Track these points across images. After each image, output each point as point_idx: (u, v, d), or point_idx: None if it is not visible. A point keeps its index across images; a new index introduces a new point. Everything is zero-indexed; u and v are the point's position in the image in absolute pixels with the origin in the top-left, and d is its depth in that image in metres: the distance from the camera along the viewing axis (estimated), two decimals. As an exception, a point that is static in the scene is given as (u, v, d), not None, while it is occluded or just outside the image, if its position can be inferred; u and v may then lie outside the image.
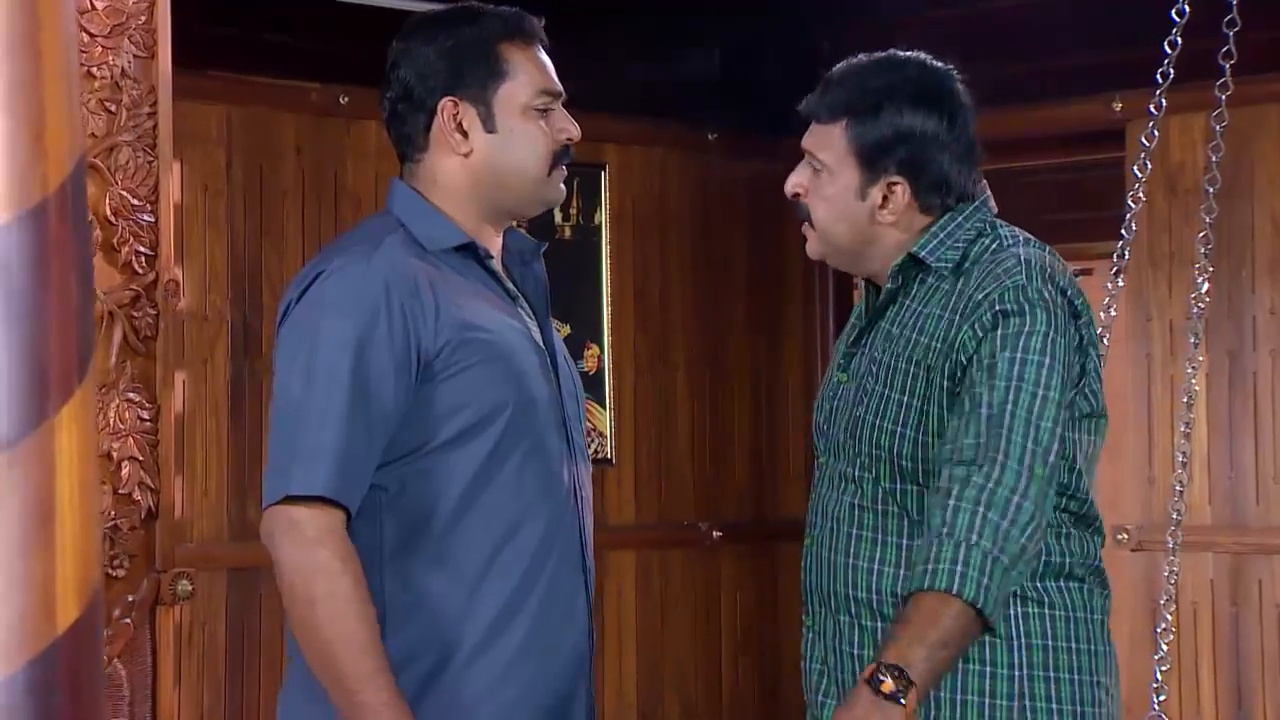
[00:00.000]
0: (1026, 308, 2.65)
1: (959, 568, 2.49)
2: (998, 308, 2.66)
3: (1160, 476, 5.49)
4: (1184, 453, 4.58)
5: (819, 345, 6.35)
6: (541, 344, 2.86)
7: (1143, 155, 4.44)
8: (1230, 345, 5.39)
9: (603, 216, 5.90)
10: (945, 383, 2.68)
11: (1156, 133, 4.43)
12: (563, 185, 2.86)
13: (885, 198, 2.79)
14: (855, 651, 2.74)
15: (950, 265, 2.76)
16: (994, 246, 2.76)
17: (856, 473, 2.75)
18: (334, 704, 2.62)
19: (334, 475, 2.62)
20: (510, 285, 2.87)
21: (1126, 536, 5.50)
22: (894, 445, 2.70)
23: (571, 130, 2.84)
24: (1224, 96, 4.43)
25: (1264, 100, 5.29)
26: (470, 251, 2.83)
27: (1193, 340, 4.61)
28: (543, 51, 2.86)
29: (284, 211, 5.32)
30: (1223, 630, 5.39)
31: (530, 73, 2.82)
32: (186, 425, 5.07)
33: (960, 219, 2.79)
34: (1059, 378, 2.63)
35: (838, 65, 2.88)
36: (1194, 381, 4.62)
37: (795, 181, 2.86)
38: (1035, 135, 5.86)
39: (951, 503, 2.54)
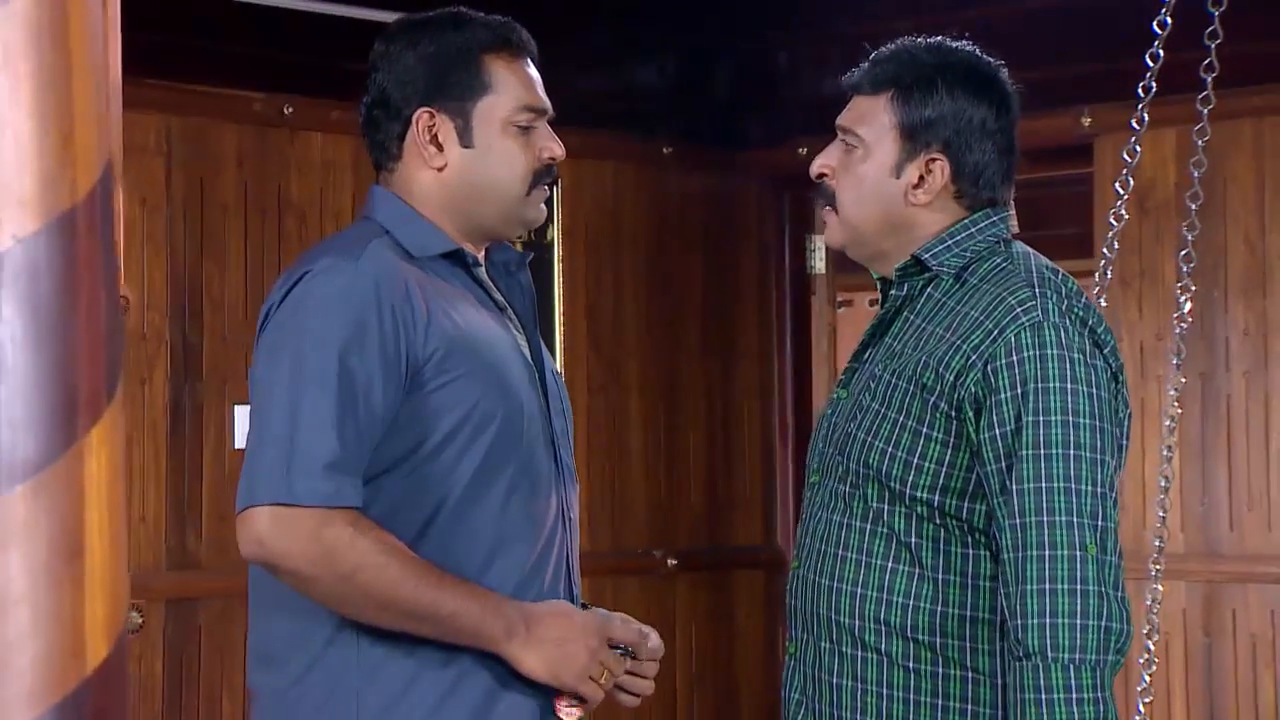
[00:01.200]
0: (1054, 354, 2.57)
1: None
2: (1014, 355, 2.58)
3: (1131, 503, 5.47)
4: (1166, 478, 4.57)
5: (775, 368, 6.32)
6: (529, 357, 2.82)
7: (1125, 171, 4.43)
8: (1203, 367, 5.39)
9: (554, 232, 5.84)
10: (946, 408, 2.61)
11: (1139, 148, 4.42)
12: (543, 206, 2.81)
13: (921, 176, 2.72)
14: (834, 680, 2.69)
15: (951, 272, 2.70)
16: (1005, 266, 2.69)
17: (846, 490, 2.69)
18: (437, 636, 2.61)
19: (325, 482, 2.56)
20: (498, 295, 2.83)
21: (1096, 564, 5.48)
22: (883, 465, 2.64)
23: (555, 149, 2.78)
24: (1206, 110, 4.43)
25: (1236, 116, 5.30)
26: (457, 259, 2.79)
27: (1174, 362, 4.60)
28: (531, 65, 2.80)
29: (225, 226, 5.24)
30: (1196, 661, 5.38)
31: (514, 87, 2.77)
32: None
33: (976, 228, 2.74)
34: (1102, 435, 2.57)
35: (886, 46, 2.83)
36: (1175, 404, 4.61)
37: (823, 161, 2.80)
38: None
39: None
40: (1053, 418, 2.53)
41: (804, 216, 6.31)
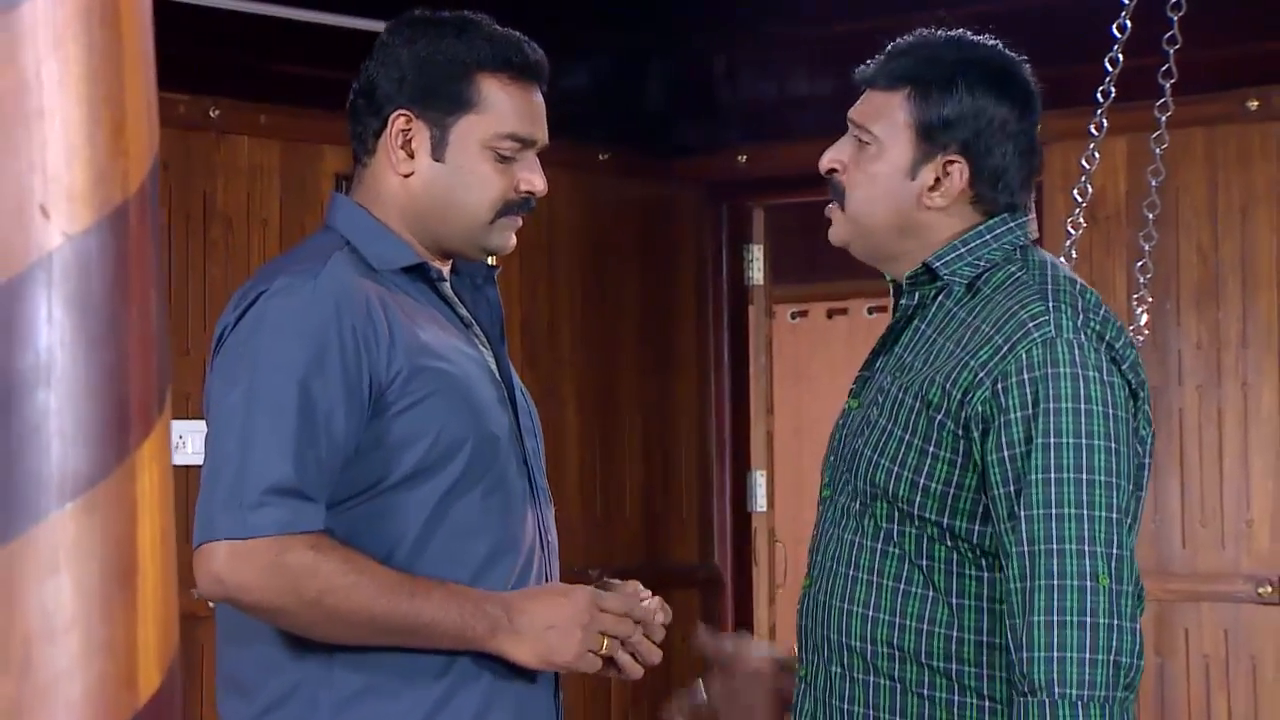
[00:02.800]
0: (1067, 373, 2.49)
1: None
2: (1025, 373, 2.49)
3: (1081, 519, 5.47)
4: (1123, 494, 4.56)
5: (712, 382, 6.28)
6: (498, 375, 2.76)
7: (1084, 178, 4.41)
8: (1155, 381, 5.38)
9: (487, 242, 5.78)
10: (953, 427, 2.53)
11: (1098, 155, 4.40)
12: (511, 236, 2.72)
13: (938, 179, 2.64)
14: (846, 707, 2.61)
15: (963, 282, 2.62)
16: (1020, 276, 2.61)
17: (857, 507, 2.62)
18: (419, 646, 2.56)
19: (281, 509, 2.49)
20: (464, 311, 2.77)
21: (1046, 583, 5.47)
22: (890, 485, 2.57)
23: (535, 183, 2.70)
24: (1164, 118, 4.42)
25: (1187, 124, 5.30)
26: (421, 273, 2.72)
27: (1132, 375, 4.59)
28: (533, 91, 2.71)
29: (148, 233, 5.14)
30: (1147, 682, 5.37)
31: (502, 112, 2.68)
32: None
33: (992, 234, 2.65)
34: (1119, 458, 2.48)
35: (905, 38, 2.75)
36: (1133, 419, 4.59)
37: (834, 156, 2.71)
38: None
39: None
40: (1064, 440, 2.44)
41: (742, 226, 6.28)
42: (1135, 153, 5.30)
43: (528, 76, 2.70)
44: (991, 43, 2.80)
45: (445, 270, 2.76)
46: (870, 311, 8.60)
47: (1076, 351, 2.49)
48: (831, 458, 2.71)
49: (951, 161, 2.64)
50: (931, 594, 2.56)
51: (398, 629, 2.55)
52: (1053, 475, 2.44)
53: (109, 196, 1.22)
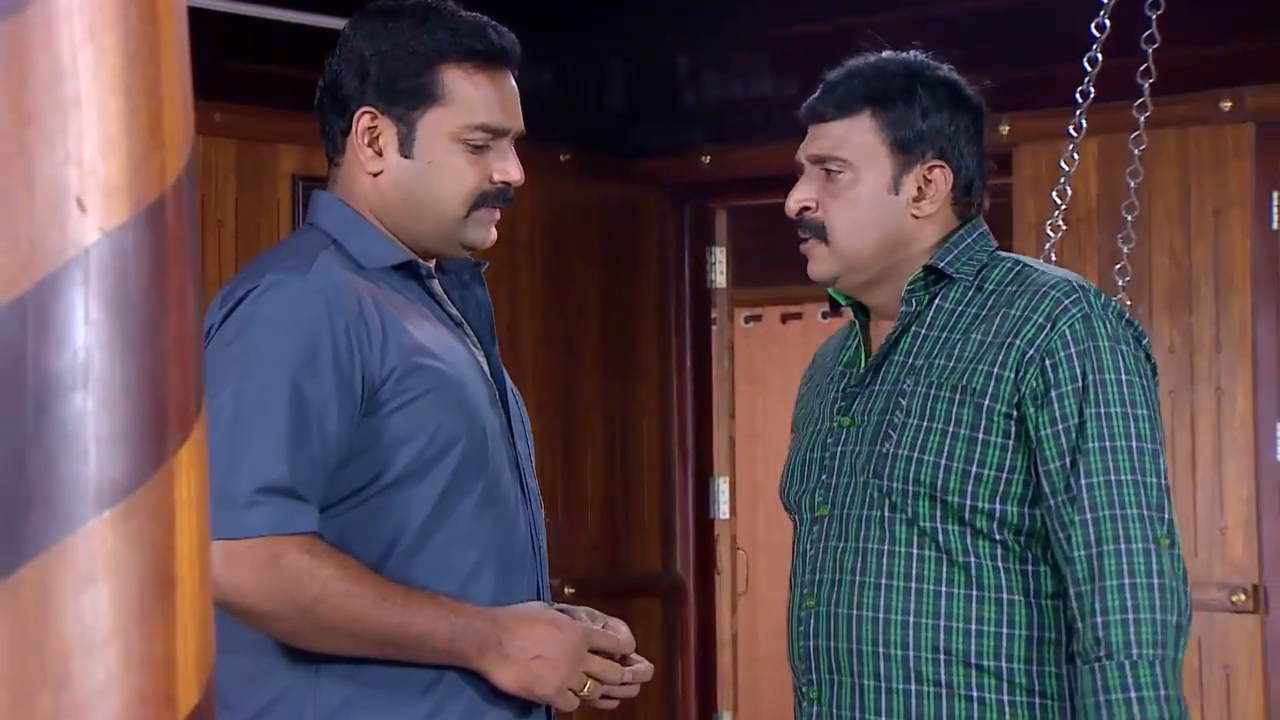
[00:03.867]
0: (1106, 346, 2.62)
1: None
2: (1071, 347, 2.61)
3: (1051, 526, 5.46)
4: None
5: (675, 386, 6.25)
6: (489, 375, 2.73)
7: (1062, 180, 4.41)
8: (1127, 386, 5.39)
9: (447, 244, 5.75)
10: (1005, 409, 2.62)
11: (1077, 156, 4.40)
12: (490, 230, 2.69)
13: (921, 188, 2.72)
14: None
15: (970, 278, 2.72)
16: (1024, 269, 2.73)
17: (884, 515, 2.65)
18: (407, 659, 2.53)
19: (275, 509, 2.47)
20: (453, 309, 2.74)
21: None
22: (938, 479, 2.63)
23: (511, 172, 2.67)
24: (1143, 118, 4.42)
25: (1160, 125, 5.30)
26: (410, 271, 2.69)
27: (1110, 380, 4.58)
28: (503, 77, 2.67)
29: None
30: (1120, 691, 5.37)
31: (469, 102, 2.64)
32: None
33: (973, 236, 2.76)
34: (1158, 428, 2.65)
35: (836, 70, 2.83)
36: (1110, 424, 4.59)
37: (803, 196, 2.78)
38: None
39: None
40: (1113, 409, 2.56)
41: (704, 228, 6.26)
42: (1107, 154, 5.30)
43: (495, 63, 2.66)
44: (921, 56, 2.91)
45: (433, 266, 2.73)
46: (824, 316, 8.60)
47: (1108, 326, 2.63)
48: (825, 477, 2.74)
49: (934, 167, 2.74)
50: (977, 593, 2.61)
51: (388, 640, 2.52)
52: (1108, 444, 2.56)
53: (146, 190, 1.19)
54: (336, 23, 2.92)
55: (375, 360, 2.56)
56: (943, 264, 2.72)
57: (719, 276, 6.29)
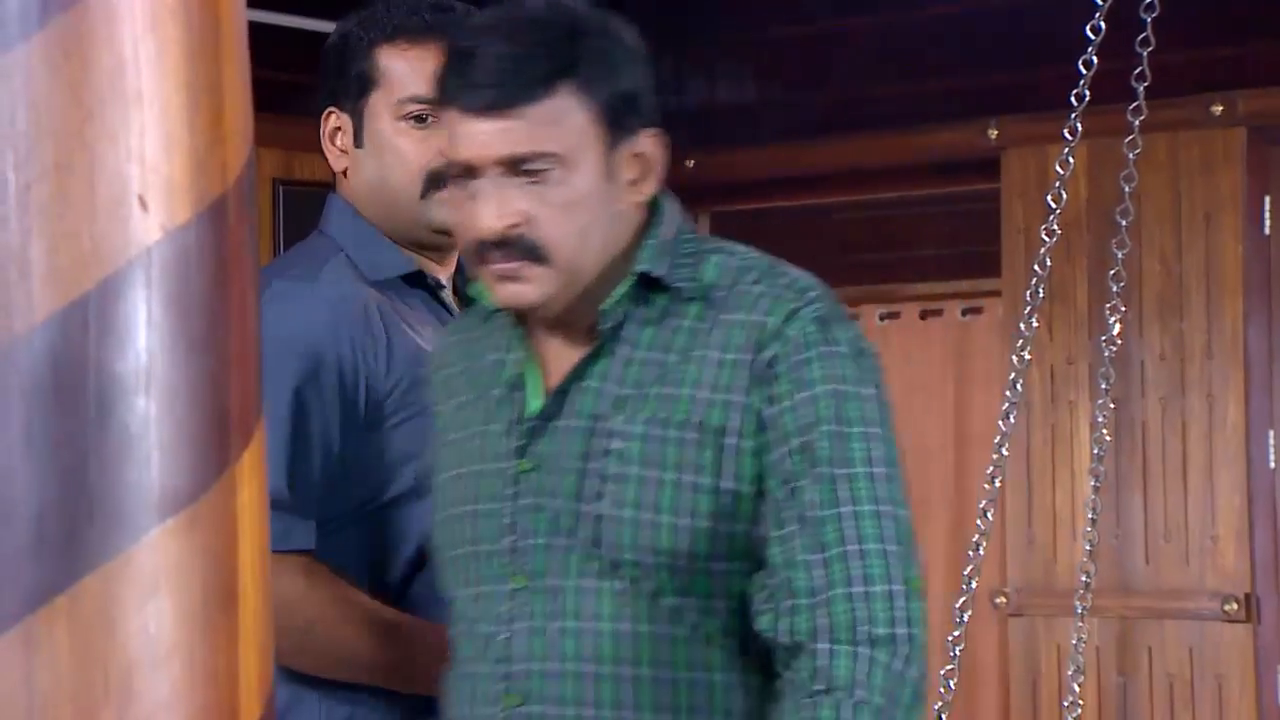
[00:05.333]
0: (845, 353, 2.15)
1: None
2: (804, 354, 2.13)
3: (1040, 535, 5.45)
4: (1094, 509, 4.54)
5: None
6: None
7: (1057, 184, 4.39)
8: (1118, 393, 5.36)
9: (427, 248, 5.72)
10: (741, 444, 2.12)
11: (1072, 159, 4.38)
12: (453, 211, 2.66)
13: (638, 167, 2.16)
14: None
15: (696, 288, 2.18)
16: (738, 264, 2.21)
17: (617, 587, 2.13)
18: (400, 689, 2.50)
19: (273, 524, 2.42)
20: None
21: (1005, 600, 5.45)
22: (682, 545, 2.11)
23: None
24: (1137, 121, 4.41)
25: (1150, 130, 5.29)
26: (418, 280, 2.66)
27: (1104, 385, 4.56)
28: (437, 49, 2.53)
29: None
30: (1110, 702, 5.36)
31: (401, 77, 2.62)
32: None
33: (675, 225, 2.23)
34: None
35: (482, 41, 2.16)
36: (1104, 431, 4.58)
37: (510, 211, 2.12)
38: (896, 164, 5.82)
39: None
40: (852, 428, 2.11)
41: (687, 233, 6.24)
42: (1097, 159, 5.29)
43: (429, 36, 2.62)
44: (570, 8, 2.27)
45: (446, 276, 2.69)
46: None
47: (849, 331, 2.17)
48: (511, 539, 2.18)
49: (645, 138, 2.18)
50: (757, 681, 2.16)
51: (381, 669, 2.49)
52: (842, 470, 2.11)
53: (208, 188, 1.16)
54: (315, 24, 2.92)
55: (380, 373, 2.53)
56: (658, 272, 2.17)
57: (701, 282, 6.26)
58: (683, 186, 6.33)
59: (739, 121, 6.02)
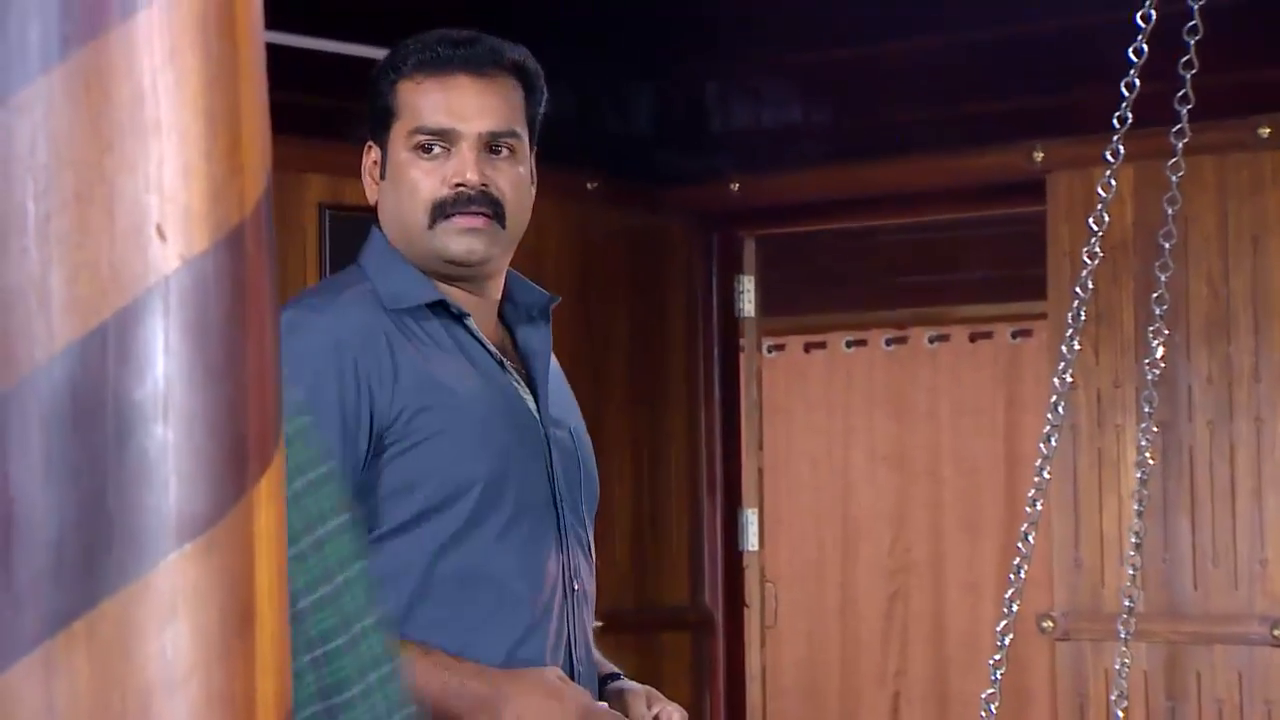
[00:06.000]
0: None
1: None
2: None
3: (1087, 559, 5.44)
4: (1137, 533, 4.53)
5: (703, 416, 6.23)
6: (536, 414, 2.70)
7: (1100, 207, 4.39)
8: (1164, 416, 5.36)
9: (472, 272, 5.73)
10: None
11: (1114, 181, 4.38)
12: (465, 240, 2.65)
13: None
14: None
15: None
16: None
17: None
18: None
19: None
20: (492, 348, 2.71)
21: (1052, 624, 5.44)
22: None
23: (462, 173, 2.64)
24: (1180, 144, 4.40)
25: (1197, 152, 5.28)
26: (443, 309, 2.67)
27: (1147, 409, 4.56)
28: (450, 81, 2.66)
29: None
30: (1158, 726, 5.35)
31: (413, 109, 2.68)
32: None
33: None
34: None
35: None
36: (1148, 454, 4.57)
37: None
38: (941, 188, 5.82)
39: None
40: None
41: (732, 257, 6.25)
42: (1143, 181, 5.29)
43: (445, 69, 2.67)
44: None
45: (472, 304, 2.70)
46: (849, 345, 8.58)
47: None
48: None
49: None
50: None
51: None
52: None
53: (226, 216, 1.18)
54: (362, 50, 2.94)
55: (384, 401, 2.55)
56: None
57: (747, 305, 6.27)
58: (727, 210, 6.38)
59: (783, 145, 6.04)
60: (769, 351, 8.56)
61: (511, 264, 2.74)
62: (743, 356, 6.29)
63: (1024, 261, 5.87)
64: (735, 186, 5.96)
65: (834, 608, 8.52)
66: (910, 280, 8.35)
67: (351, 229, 4.77)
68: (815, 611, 8.52)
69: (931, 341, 8.65)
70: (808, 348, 8.71)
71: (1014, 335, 8.57)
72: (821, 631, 8.52)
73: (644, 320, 6.15)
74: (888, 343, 8.55)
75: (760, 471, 6.34)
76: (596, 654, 2.83)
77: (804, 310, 8.37)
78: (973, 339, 8.66)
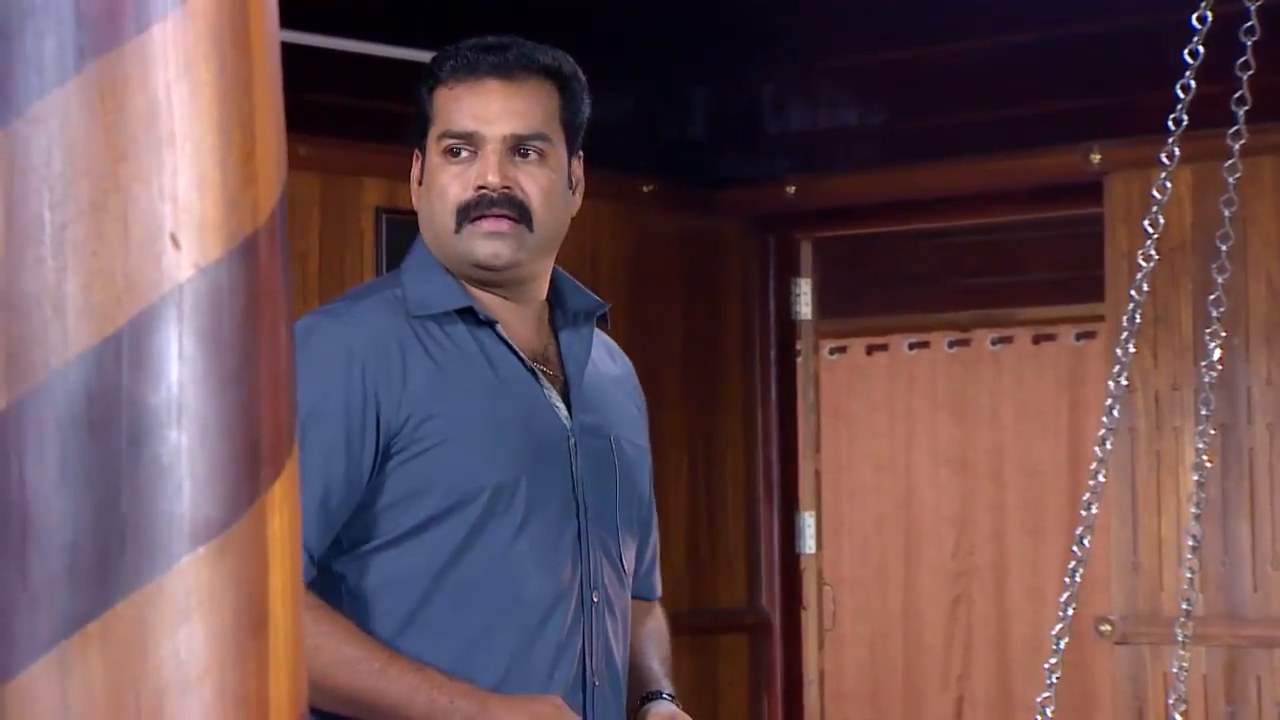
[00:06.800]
0: None
1: None
2: None
3: (1146, 562, 5.43)
4: (1195, 537, 4.52)
5: (759, 420, 6.24)
6: (568, 420, 2.70)
7: (1155, 209, 4.38)
8: (1223, 419, 5.34)
9: (529, 276, 5.76)
10: None
11: (1169, 184, 4.37)
12: (490, 244, 2.65)
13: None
14: None
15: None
16: None
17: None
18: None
19: None
20: (523, 354, 2.70)
21: (1110, 628, 5.43)
22: None
23: (484, 175, 2.64)
24: (1237, 145, 4.39)
25: (1256, 153, 5.25)
26: (471, 316, 2.68)
27: (1204, 412, 4.55)
28: (476, 85, 2.68)
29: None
30: (1217, 731, 5.33)
31: (443, 113, 2.69)
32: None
33: None
34: None
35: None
36: (1205, 458, 4.56)
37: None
38: (997, 189, 5.81)
39: None
40: None
41: (789, 259, 6.26)
42: (1201, 183, 5.27)
43: (475, 73, 2.69)
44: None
45: (505, 312, 2.70)
46: (911, 348, 8.57)
47: None
48: None
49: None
50: None
51: (360, 703, 2.51)
52: None
53: (240, 226, 1.20)
54: (419, 55, 2.96)
55: (392, 407, 2.55)
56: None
57: (804, 308, 6.28)
58: (782, 212, 6.37)
59: (839, 147, 6.05)
60: (830, 354, 8.56)
61: (566, 267, 2.75)
62: (799, 359, 6.30)
63: (1088, 262, 5.85)
64: (791, 189, 5.97)
65: (897, 611, 8.52)
66: (974, 282, 8.33)
67: (408, 233, 4.79)
68: (878, 615, 8.52)
69: (994, 344, 8.63)
70: (870, 350, 8.71)
71: (1078, 337, 8.53)
72: (884, 635, 8.52)
73: (700, 323, 6.16)
74: (950, 345, 8.53)
75: (817, 474, 6.35)
76: (654, 667, 2.81)
77: (866, 312, 8.37)
78: (1036, 341, 8.63)
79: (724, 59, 6.13)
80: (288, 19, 5.18)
